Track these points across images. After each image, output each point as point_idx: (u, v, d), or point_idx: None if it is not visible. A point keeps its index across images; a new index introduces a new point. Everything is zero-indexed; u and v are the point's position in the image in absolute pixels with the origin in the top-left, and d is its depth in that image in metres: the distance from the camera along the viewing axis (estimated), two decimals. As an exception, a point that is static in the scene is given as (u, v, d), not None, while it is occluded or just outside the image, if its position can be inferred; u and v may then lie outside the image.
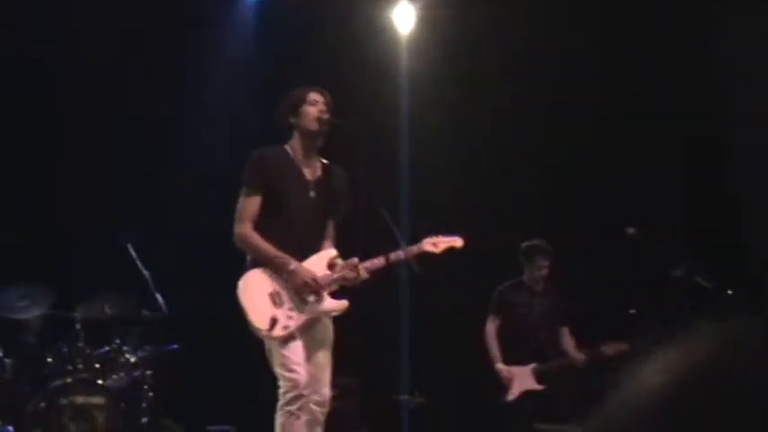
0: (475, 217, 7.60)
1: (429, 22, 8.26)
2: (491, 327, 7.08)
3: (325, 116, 5.05)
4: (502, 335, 7.06)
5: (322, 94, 5.11)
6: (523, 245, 7.14)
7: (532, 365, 6.93)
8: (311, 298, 4.97)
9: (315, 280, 4.94)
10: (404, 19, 8.41)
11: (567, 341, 7.08)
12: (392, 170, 8.02)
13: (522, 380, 6.92)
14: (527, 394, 6.89)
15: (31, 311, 6.66)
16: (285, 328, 4.90)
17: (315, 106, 5.07)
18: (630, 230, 6.45)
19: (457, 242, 5.28)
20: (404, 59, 8.44)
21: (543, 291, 7.13)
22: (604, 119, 7.89)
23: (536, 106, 8.04)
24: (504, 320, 7.08)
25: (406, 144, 8.33)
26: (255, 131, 7.44)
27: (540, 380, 6.91)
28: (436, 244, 5.20)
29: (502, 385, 6.96)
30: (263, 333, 4.90)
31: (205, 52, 8.30)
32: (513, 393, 6.91)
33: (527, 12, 7.92)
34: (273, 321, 4.89)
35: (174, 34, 7.95)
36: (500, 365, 6.98)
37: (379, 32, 8.33)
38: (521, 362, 6.97)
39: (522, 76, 8.00)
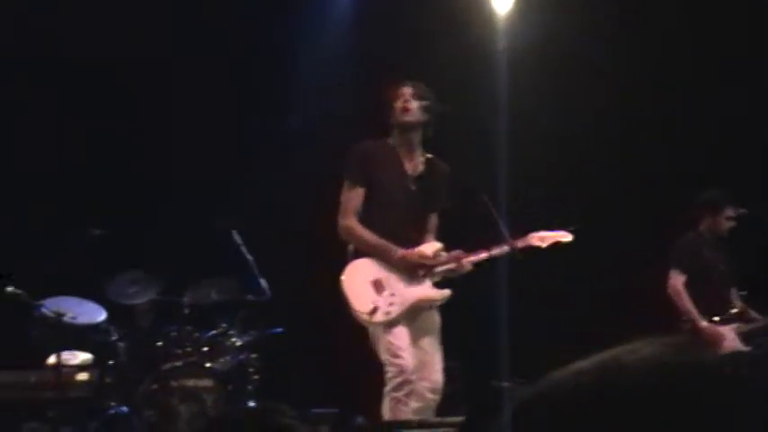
0: (574, 201, 7.56)
1: (527, 1, 8.20)
2: (678, 282, 6.47)
3: (411, 105, 5.08)
4: (688, 291, 6.48)
5: (409, 85, 5.15)
6: (708, 194, 6.62)
7: (734, 325, 6.41)
8: (422, 278, 5.02)
9: (426, 257, 5.01)
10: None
11: (736, 300, 6.56)
12: (489, 154, 8.01)
13: (729, 340, 6.34)
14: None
15: (142, 297, 6.86)
16: (386, 314, 4.97)
17: (399, 99, 5.12)
18: (741, 211, 6.28)
19: (564, 237, 5.28)
20: (501, 40, 8.39)
21: (722, 247, 6.61)
22: (710, 98, 7.75)
23: (639, 87, 7.93)
24: (691, 277, 6.49)
25: (504, 127, 8.29)
26: (351, 115, 7.54)
27: (746, 340, 6.36)
28: (543, 239, 5.21)
29: (701, 345, 6.51)
30: (364, 317, 4.98)
31: (302, 38, 8.39)
32: (719, 351, 6.15)
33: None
34: (375, 307, 4.97)
35: (271, 21, 8.06)
36: (705, 324, 6.38)
37: (477, 13, 8.30)
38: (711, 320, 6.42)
39: (624, 56, 7.91)
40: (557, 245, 5.24)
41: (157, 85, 7.94)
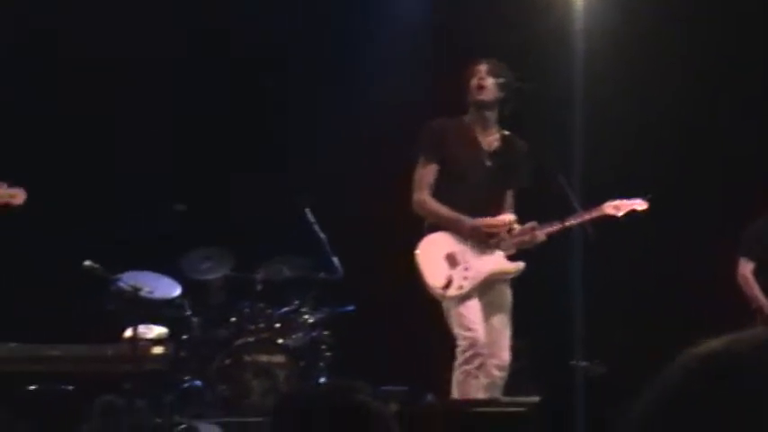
0: (649, 180, 7.43)
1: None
2: (747, 270, 6.43)
3: (486, 83, 5.06)
4: (757, 278, 6.42)
5: (485, 63, 5.12)
6: None
7: None
8: (495, 247, 4.99)
9: (496, 225, 4.99)
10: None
11: None
12: (565, 133, 7.91)
13: None
14: None
15: (215, 273, 6.95)
16: (460, 288, 4.98)
17: (475, 77, 5.10)
18: None
19: (640, 205, 5.20)
20: (579, 19, 8.26)
21: None
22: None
23: (718, 67, 7.76)
24: (759, 263, 6.43)
25: (580, 106, 8.16)
26: (427, 95, 7.51)
27: None
28: (618, 207, 5.14)
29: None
30: (438, 291, 4.99)
31: (380, 21, 8.37)
32: None
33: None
34: (448, 281, 4.98)
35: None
36: None
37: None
38: None
39: (701, 37, 7.73)
40: (632, 213, 5.16)
41: (242, 68, 7.99)
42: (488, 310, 5.07)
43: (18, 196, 5.62)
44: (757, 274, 6.43)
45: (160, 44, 7.70)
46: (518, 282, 5.26)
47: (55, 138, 7.59)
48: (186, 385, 6.50)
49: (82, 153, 7.56)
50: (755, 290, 6.41)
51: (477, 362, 4.90)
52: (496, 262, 5.05)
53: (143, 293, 6.31)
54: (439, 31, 8.28)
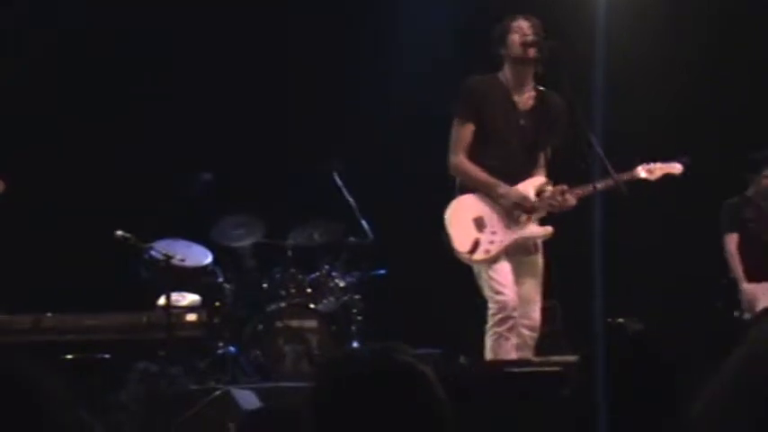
0: (671, 143, 7.36)
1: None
2: (731, 244, 6.80)
3: (530, 38, 5.01)
4: (740, 252, 6.81)
5: (527, 19, 5.07)
6: (752, 157, 6.86)
7: None
8: (522, 218, 4.99)
9: (526, 198, 4.96)
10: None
11: None
12: (587, 95, 7.84)
13: (765, 296, 6.67)
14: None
15: (246, 239, 6.98)
16: (486, 251, 4.96)
17: (518, 33, 5.04)
18: None
19: (676, 168, 5.14)
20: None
21: None
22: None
23: (742, 29, 7.66)
24: (742, 234, 6.80)
25: (602, 69, 8.08)
26: (455, 54, 7.46)
27: None
28: (652, 170, 5.08)
29: (740, 302, 6.74)
30: (464, 255, 4.99)
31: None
32: (751, 311, 6.65)
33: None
34: (475, 244, 4.97)
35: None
36: (746, 285, 6.73)
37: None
38: (755, 279, 6.72)
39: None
40: (666, 177, 5.10)
41: (270, 35, 7.98)
42: (519, 273, 5.06)
43: None
44: (741, 245, 6.77)
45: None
46: (547, 243, 5.24)
47: (83, 110, 7.62)
48: (220, 351, 6.55)
49: (109, 125, 7.58)
50: (734, 263, 6.76)
51: (508, 324, 4.91)
52: (524, 226, 5.03)
53: (175, 261, 6.35)
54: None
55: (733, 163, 7.17)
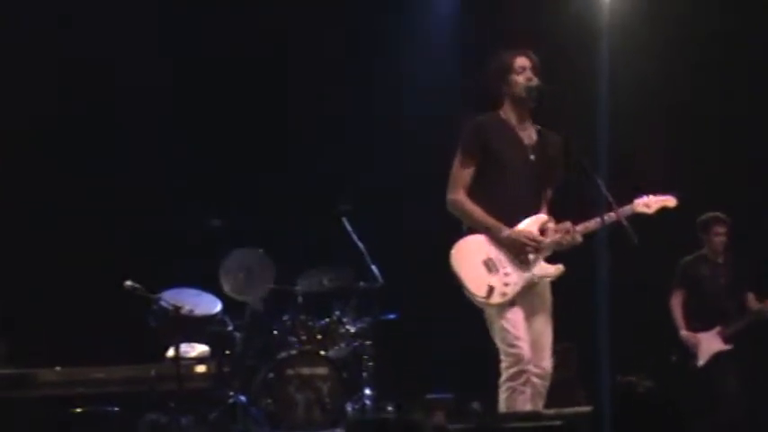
0: (675, 179, 7.31)
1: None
2: (676, 299, 7.24)
3: (534, 83, 4.97)
4: (687, 306, 7.22)
5: (529, 57, 5.02)
6: (698, 219, 7.20)
7: (717, 328, 7.03)
8: (531, 257, 4.91)
9: (534, 237, 4.89)
10: (607, -28, 8.13)
11: (753, 303, 7.13)
12: (590, 130, 7.81)
13: (709, 343, 7.02)
14: (717, 356, 6.98)
15: (256, 287, 6.93)
16: (503, 294, 4.86)
17: (522, 74, 4.99)
18: None
19: (670, 201, 5.10)
20: (605, 14, 8.17)
21: (726, 261, 7.19)
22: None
23: (744, 61, 7.62)
24: (689, 294, 7.21)
25: (605, 103, 8.07)
26: (460, 95, 7.44)
27: (726, 340, 7.00)
28: (648, 204, 5.04)
29: (690, 353, 7.05)
30: (482, 300, 4.86)
31: (409, 19, 8.33)
32: (702, 358, 7.01)
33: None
34: (491, 289, 4.86)
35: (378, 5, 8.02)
36: (684, 332, 7.13)
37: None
38: (706, 329, 7.06)
39: (727, 32, 7.60)
40: (663, 210, 5.06)
41: (270, 75, 7.99)
42: (529, 314, 4.95)
43: None
44: (687, 300, 7.22)
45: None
46: (558, 285, 5.16)
47: (87, 157, 7.62)
48: (231, 401, 6.51)
49: (117, 174, 7.58)
50: (675, 315, 7.20)
51: (522, 378, 4.79)
52: (536, 266, 4.95)
53: (184, 312, 6.31)
54: (468, 23, 8.22)
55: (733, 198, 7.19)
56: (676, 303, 7.24)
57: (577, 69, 7.47)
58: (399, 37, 8.25)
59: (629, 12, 7.83)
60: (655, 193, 5.09)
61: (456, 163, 5.03)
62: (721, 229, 7.13)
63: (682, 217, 5.39)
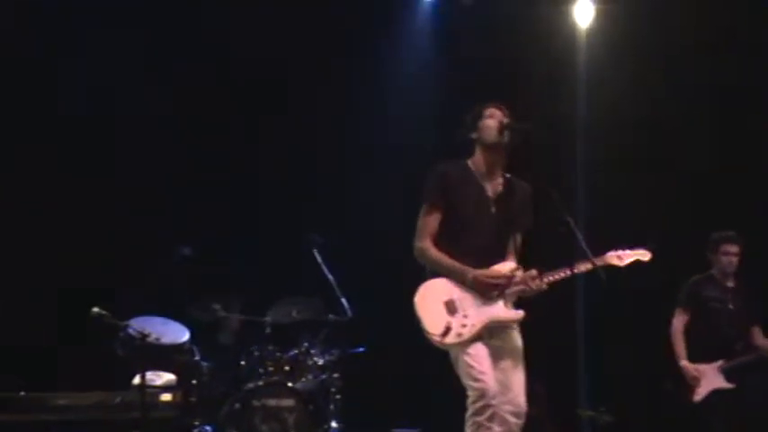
0: (655, 220, 7.40)
1: (609, 16, 8.10)
2: (678, 322, 6.87)
3: (506, 121, 5.04)
4: (689, 331, 6.85)
5: (499, 108, 5.11)
6: (711, 236, 6.93)
7: (719, 363, 6.72)
8: (494, 299, 4.95)
9: (500, 274, 4.93)
10: (583, 14, 8.28)
11: (759, 338, 6.79)
12: (569, 171, 7.92)
13: (709, 378, 6.70)
14: (716, 393, 6.67)
15: (224, 316, 6.92)
16: (459, 335, 4.90)
17: (493, 118, 5.07)
18: None
19: (644, 255, 5.15)
20: (582, 55, 8.32)
21: (736, 287, 6.88)
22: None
23: (720, 101, 7.74)
24: (694, 315, 6.85)
25: (583, 143, 8.21)
26: (435, 132, 7.52)
27: (728, 378, 6.68)
28: (621, 257, 5.09)
29: (687, 385, 6.73)
30: (436, 339, 4.92)
31: (384, 54, 8.39)
32: (699, 393, 6.70)
33: (707, 3, 7.66)
34: (447, 328, 4.91)
35: (351, 38, 8.08)
36: (685, 363, 6.78)
37: (558, 28, 8.24)
38: (708, 359, 6.75)
39: (705, 70, 7.73)
40: (635, 263, 5.11)
41: (241, 102, 8.02)
42: (497, 355, 4.98)
43: None
44: (690, 325, 6.83)
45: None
46: (525, 325, 5.20)
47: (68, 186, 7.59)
48: (196, 431, 6.47)
49: (88, 198, 7.56)
50: (676, 341, 6.83)
51: (487, 413, 4.80)
52: (496, 310, 4.98)
53: (151, 339, 6.28)
54: (443, 62, 8.31)
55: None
56: (678, 327, 6.86)
57: (555, 109, 7.67)
58: (374, 70, 8.31)
59: (605, 52, 7.99)
60: (630, 246, 5.15)
61: (421, 211, 5.10)
62: (732, 249, 6.79)
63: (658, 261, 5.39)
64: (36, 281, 7.30)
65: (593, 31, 8.24)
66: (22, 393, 6.11)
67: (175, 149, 7.80)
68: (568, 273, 4.90)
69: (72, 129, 7.54)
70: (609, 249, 5.07)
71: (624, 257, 5.09)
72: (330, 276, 7.01)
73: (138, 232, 7.50)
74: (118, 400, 6.09)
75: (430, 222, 5.06)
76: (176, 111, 7.73)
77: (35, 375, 6.47)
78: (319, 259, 7.06)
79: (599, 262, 4.97)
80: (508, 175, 5.17)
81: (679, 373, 6.77)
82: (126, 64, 7.61)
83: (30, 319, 7.15)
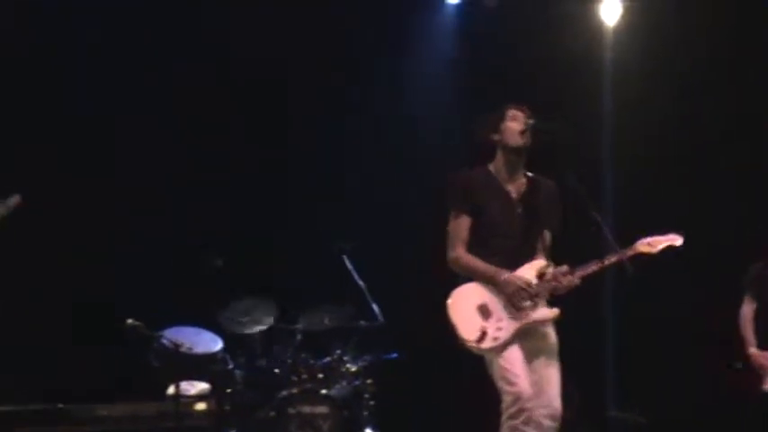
0: (681, 217, 7.32)
1: (636, 13, 8.04)
2: (747, 309, 6.64)
3: (529, 123, 5.02)
4: (757, 318, 6.61)
5: (521, 109, 5.09)
6: None
7: None
8: (526, 304, 4.93)
9: (529, 284, 4.91)
10: (610, 12, 8.23)
11: None
12: (595, 169, 7.87)
13: None
14: None
15: (256, 326, 6.95)
16: (495, 339, 4.89)
17: (515, 121, 5.06)
18: None
19: (675, 240, 5.10)
20: (608, 53, 8.27)
21: None
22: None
23: (748, 97, 7.67)
24: (758, 302, 6.63)
25: (609, 140, 8.16)
26: (458, 134, 7.49)
27: None
28: (652, 244, 5.04)
29: (755, 374, 6.50)
30: (472, 344, 4.91)
31: (407, 55, 8.39)
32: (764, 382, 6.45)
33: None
34: (483, 333, 4.89)
35: (375, 38, 8.07)
36: (754, 350, 6.56)
37: (584, 26, 8.20)
38: None
39: (733, 66, 7.66)
40: (668, 249, 5.06)
41: (273, 107, 8.03)
42: (532, 357, 4.96)
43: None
44: (757, 315, 6.60)
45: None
46: (558, 325, 5.17)
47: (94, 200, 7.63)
48: (231, 439, 6.50)
49: (117, 211, 7.60)
50: (744, 328, 6.59)
51: (522, 417, 4.77)
52: (531, 310, 4.97)
53: (183, 350, 6.34)
54: (466, 61, 8.28)
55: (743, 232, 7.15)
56: (747, 313, 6.61)
57: (581, 107, 7.62)
58: (402, 74, 8.30)
59: (632, 47, 7.93)
60: (661, 232, 5.11)
61: (450, 219, 5.09)
62: None
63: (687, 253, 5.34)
64: (70, 293, 7.35)
65: (619, 29, 8.18)
66: (61, 406, 6.17)
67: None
68: (599, 266, 4.87)
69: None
70: (636, 238, 5.02)
71: (655, 244, 5.03)
72: (360, 282, 7.02)
73: (171, 242, 7.53)
74: (153, 410, 6.13)
75: (460, 230, 5.05)
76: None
77: (72, 388, 6.53)
78: (350, 266, 7.07)
79: (630, 252, 4.94)
80: (531, 174, 5.15)
81: (747, 362, 6.56)
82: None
83: (66, 331, 7.21)
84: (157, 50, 7.63)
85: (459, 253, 5.03)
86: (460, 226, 5.05)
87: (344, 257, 7.10)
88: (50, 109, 7.47)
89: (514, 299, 4.93)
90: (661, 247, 5.06)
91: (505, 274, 4.93)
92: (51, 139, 7.48)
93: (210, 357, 6.70)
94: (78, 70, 7.55)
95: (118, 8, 7.54)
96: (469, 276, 5.03)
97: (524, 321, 4.93)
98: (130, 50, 7.60)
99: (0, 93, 7.22)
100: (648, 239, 5.05)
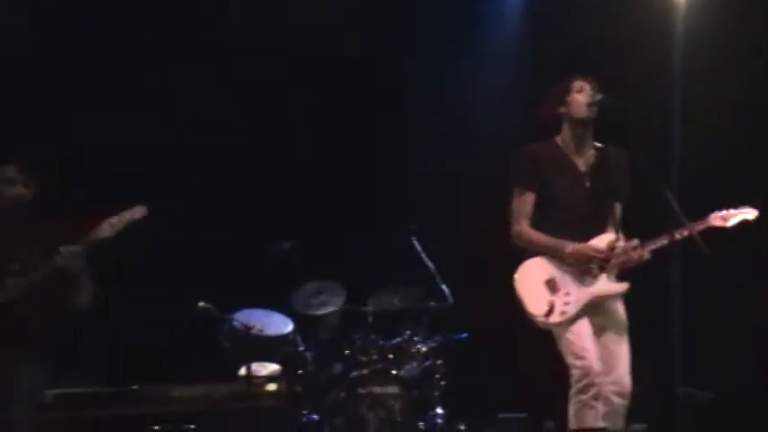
0: (752, 192, 7.14)
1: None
2: None
3: (595, 98, 4.94)
4: None
5: (587, 80, 5.01)
6: None
7: None
8: (596, 274, 4.85)
9: (598, 249, 4.84)
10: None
11: None
12: (664, 146, 7.72)
13: None
14: None
15: (327, 307, 7.00)
16: (563, 313, 4.84)
17: (582, 93, 4.98)
18: None
19: (750, 214, 4.99)
20: (680, 25, 8.09)
21: None
22: None
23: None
24: None
25: (679, 114, 7.98)
26: (522, 117, 7.42)
27: None
28: (726, 218, 4.94)
29: None
30: (540, 319, 4.87)
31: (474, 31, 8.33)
32: None
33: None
34: (551, 308, 4.85)
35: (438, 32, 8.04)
36: None
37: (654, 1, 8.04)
38: None
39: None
40: (743, 223, 4.94)
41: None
42: (601, 332, 4.91)
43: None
44: None
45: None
46: (632, 299, 5.09)
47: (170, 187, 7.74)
48: (303, 420, 6.55)
49: (191, 197, 7.70)
50: None
51: (592, 391, 4.72)
52: (599, 284, 4.90)
53: (255, 331, 6.41)
54: (538, 50, 8.19)
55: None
56: None
57: (650, 82, 7.48)
58: (467, 61, 8.25)
59: (704, 20, 7.75)
60: (734, 206, 5.00)
61: (514, 195, 5.05)
62: None
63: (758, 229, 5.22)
64: (142, 276, 7.47)
65: (691, 3, 8.00)
66: (135, 387, 6.29)
67: (275, 144, 7.88)
68: (670, 240, 4.78)
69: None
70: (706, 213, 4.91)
71: (729, 218, 4.93)
72: (430, 263, 7.01)
73: (242, 226, 7.60)
74: (225, 391, 6.21)
75: (523, 205, 5.01)
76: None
77: (147, 370, 6.64)
78: (419, 247, 7.07)
79: (701, 225, 4.85)
80: (600, 145, 5.07)
81: None
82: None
83: (139, 314, 7.33)
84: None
85: (524, 227, 5.00)
86: (525, 201, 5.01)
87: (413, 239, 7.09)
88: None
89: (586, 268, 4.85)
90: (735, 221, 4.96)
91: (570, 246, 4.88)
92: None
93: (281, 339, 6.77)
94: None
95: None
96: (534, 251, 4.99)
97: (593, 295, 4.87)
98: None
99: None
100: (722, 213, 4.96)
